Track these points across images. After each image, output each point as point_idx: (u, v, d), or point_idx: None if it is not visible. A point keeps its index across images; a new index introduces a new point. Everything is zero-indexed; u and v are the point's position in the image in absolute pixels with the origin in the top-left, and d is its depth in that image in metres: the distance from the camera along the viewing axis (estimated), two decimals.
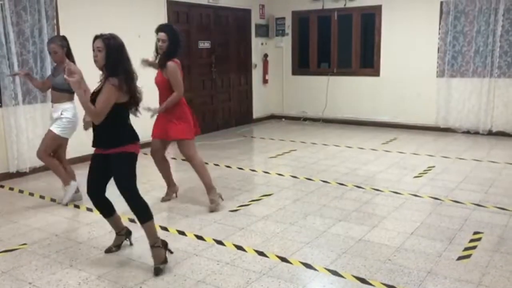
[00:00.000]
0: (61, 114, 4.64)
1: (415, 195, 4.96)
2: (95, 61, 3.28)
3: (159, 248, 3.34)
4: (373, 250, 3.64)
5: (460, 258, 3.49)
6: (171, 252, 3.48)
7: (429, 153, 6.91)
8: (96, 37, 3.27)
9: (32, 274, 3.32)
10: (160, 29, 4.40)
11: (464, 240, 3.80)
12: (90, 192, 3.50)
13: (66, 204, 4.78)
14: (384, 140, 7.88)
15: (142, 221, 3.35)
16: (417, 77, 8.62)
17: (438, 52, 8.34)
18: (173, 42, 4.35)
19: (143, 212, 3.35)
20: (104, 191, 3.50)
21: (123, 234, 3.70)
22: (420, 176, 5.69)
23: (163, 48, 4.36)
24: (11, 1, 5.59)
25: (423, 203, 4.73)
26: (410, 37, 8.61)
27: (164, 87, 4.41)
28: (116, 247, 3.69)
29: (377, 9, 8.90)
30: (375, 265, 3.40)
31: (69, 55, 4.69)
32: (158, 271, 3.29)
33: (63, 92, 4.63)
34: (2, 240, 3.93)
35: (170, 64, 4.34)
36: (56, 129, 4.64)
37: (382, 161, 6.48)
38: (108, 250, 3.67)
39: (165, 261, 3.34)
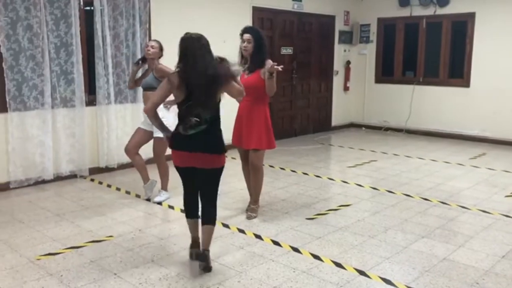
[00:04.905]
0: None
1: (507, 216, 4.62)
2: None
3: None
4: (458, 271, 3.43)
5: None
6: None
7: None
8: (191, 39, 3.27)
9: (117, 266, 3.48)
10: (245, 30, 4.43)
11: None
12: (189, 211, 3.55)
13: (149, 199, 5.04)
14: (472, 155, 7.44)
15: (214, 223, 3.45)
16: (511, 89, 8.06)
17: None
18: (258, 43, 4.35)
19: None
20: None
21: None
22: None
23: (248, 49, 4.35)
24: (109, 6, 5.97)
25: None
26: (505, 47, 8.06)
27: (260, 87, 4.34)
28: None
29: (470, 16, 8.43)
30: (461, 287, 3.20)
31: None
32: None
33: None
34: (91, 231, 4.17)
35: (270, 61, 4.30)
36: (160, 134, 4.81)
37: (470, 177, 6.11)
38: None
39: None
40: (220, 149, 3.34)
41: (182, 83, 3.20)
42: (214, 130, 3.31)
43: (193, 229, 3.57)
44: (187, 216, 3.57)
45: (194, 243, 3.57)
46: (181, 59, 3.24)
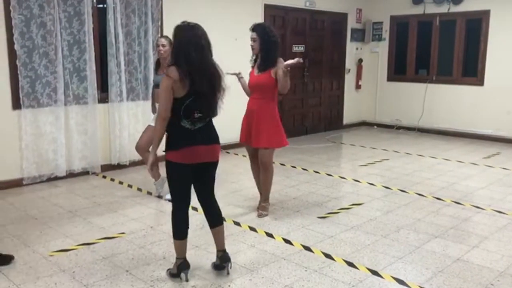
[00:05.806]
0: None
1: None
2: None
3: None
4: (472, 272, 3.39)
5: None
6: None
7: None
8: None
9: (129, 263, 3.49)
10: (251, 28, 4.32)
11: None
12: (182, 231, 3.20)
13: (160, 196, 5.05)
14: (485, 154, 7.35)
15: (222, 223, 3.35)
16: None
17: None
18: (264, 41, 4.22)
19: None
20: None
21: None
22: None
23: (254, 47, 4.27)
24: (122, 4, 5.98)
25: None
26: None
27: (270, 86, 4.30)
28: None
29: (485, 14, 8.32)
30: None
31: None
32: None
33: None
34: (104, 228, 4.19)
35: (281, 60, 4.24)
36: None
37: (484, 177, 6.03)
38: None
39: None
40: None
41: (184, 77, 2.96)
42: (212, 121, 3.20)
43: (184, 249, 3.21)
44: (180, 238, 3.16)
45: (187, 262, 3.23)
46: (181, 51, 2.99)
